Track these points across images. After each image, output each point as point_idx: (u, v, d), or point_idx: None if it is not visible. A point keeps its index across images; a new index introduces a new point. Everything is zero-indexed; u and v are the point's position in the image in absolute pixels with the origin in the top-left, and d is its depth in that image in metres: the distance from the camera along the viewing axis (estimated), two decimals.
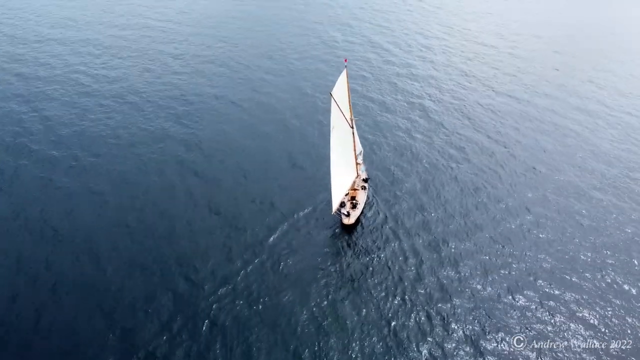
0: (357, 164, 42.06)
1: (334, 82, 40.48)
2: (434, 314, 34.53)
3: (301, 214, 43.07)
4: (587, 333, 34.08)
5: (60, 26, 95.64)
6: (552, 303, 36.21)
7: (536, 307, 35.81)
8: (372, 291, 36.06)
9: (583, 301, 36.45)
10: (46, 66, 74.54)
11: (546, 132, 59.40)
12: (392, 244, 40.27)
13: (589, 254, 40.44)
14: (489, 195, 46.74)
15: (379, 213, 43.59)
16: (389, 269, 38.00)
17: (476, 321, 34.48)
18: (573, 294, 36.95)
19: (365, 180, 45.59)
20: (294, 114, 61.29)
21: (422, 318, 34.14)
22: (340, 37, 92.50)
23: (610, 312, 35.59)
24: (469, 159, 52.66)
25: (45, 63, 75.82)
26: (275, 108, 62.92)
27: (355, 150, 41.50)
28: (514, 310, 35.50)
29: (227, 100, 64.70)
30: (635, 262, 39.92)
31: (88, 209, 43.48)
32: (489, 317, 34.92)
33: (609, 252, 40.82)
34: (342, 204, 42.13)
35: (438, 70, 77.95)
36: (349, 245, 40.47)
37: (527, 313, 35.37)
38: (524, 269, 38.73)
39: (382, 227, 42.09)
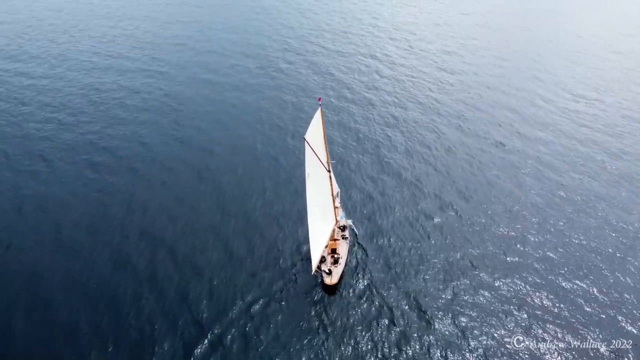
0: (334, 207, 41.58)
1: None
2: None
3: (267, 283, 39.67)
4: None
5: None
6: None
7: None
8: None
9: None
10: None
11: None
12: (382, 306, 37.13)
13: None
14: (477, 230, 46.07)
15: (362, 267, 41.21)
16: (381, 338, 34.84)
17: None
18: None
19: (343, 229, 43.71)
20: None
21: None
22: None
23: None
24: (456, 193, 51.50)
25: None
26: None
27: (332, 194, 40.87)
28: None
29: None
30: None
31: None
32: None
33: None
34: (322, 259, 39.47)
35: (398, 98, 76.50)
36: (330, 313, 36.49)
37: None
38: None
39: (366, 282, 39.41)
